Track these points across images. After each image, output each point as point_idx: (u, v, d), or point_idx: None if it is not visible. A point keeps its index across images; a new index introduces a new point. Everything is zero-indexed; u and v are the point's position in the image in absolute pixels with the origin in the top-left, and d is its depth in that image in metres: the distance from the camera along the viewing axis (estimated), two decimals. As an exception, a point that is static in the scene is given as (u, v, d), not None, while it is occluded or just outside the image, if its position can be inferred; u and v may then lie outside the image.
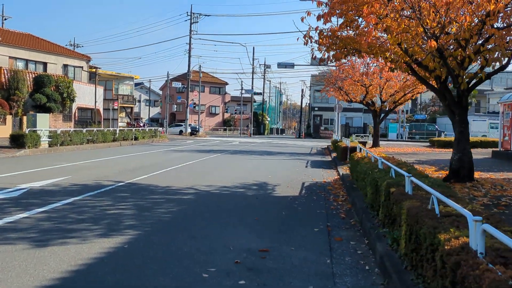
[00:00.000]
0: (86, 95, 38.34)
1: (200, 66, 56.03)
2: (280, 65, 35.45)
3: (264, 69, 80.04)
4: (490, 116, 46.32)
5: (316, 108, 61.46)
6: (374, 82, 25.26)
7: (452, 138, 32.47)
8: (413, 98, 27.24)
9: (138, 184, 11.28)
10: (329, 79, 28.14)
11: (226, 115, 78.95)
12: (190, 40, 54.99)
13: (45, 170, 13.72)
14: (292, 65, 35.53)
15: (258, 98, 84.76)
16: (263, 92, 77.35)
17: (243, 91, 67.37)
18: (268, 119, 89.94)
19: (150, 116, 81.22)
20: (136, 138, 32.47)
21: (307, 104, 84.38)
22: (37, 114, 23.31)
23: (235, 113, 75.26)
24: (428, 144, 34.16)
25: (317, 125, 61.13)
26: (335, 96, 28.24)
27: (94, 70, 39.88)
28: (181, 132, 60.44)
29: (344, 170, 15.29)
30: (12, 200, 8.64)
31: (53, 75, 33.58)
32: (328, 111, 60.64)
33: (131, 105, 53.76)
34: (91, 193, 9.69)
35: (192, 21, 54.64)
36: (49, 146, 22.22)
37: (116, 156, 19.90)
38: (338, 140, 25.71)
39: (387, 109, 26.93)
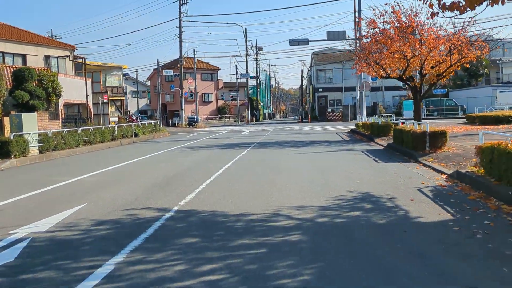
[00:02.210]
0: (72, 89, 33.98)
1: (194, 51, 51.72)
2: (292, 41, 31.46)
3: (256, 52, 76.04)
4: (520, 86, 42.82)
5: (320, 89, 57.41)
6: (417, 53, 21.63)
7: (496, 113, 29.14)
8: (458, 69, 23.57)
9: (194, 213, 7.44)
10: (360, 53, 24.31)
11: (220, 102, 74.68)
12: (180, 23, 50.69)
13: (45, 194, 9.78)
14: (306, 41, 31.61)
15: (250, 83, 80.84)
16: (257, 76, 73.36)
17: (238, 75, 63.19)
18: (261, 104, 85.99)
19: (138, 108, 76.82)
20: (136, 135, 28.47)
21: (300, 86, 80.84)
22: (22, 114, 19.19)
23: (231, 99, 71.10)
24: (464, 120, 30.64)
25: (323, 107, 57.16)
26: (367, 72, 24.47)
27: (81, 61, 35.51)
28: (174, 124, 56.42)
29: (438, 164, 11.70)
30: (5, 274, 4.79)
31: (35, 68, 29.25)
32: (333, 92, 56.91)
33: (121, 98, 49.32)
34: (135, 241, 5.86)
35: (181, 2, 50.27)
36: (40, 152, 18.20)
37: (126, 161, 15.94)
38: (386, 122, 22.07)
39: (429, 83, 23.31)
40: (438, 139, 13.58)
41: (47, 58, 33.49)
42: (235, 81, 68.70)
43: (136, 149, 22.10)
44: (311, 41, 32.03)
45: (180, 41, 50.87)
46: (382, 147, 18.18)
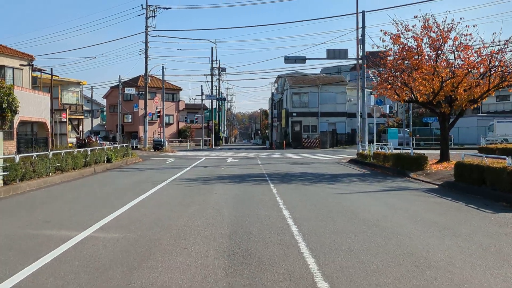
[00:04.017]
0: (30, 105, 29.33)
1: (163, 67, 47.41)
2: (288, 59, 28.17)
3: (219, 73, 72.82)
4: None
5: (294, 114, 54.15)
6: (454, 74, 18.98)
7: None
8: (493, 94, 21.03)
9: None
10: (382, 74, 21.33)
11: (181, 125, 70.32)
12: (146, 38, 46.55)
13: (43, 279, 5.80)
14: (303, 59, 28.41)
15: (208, 105, 77.60)
16: (222, 98, 69.88)
17: (204, 97, 59.36)
18: (220, 128, 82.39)
19: (92, 128, 71.34)
20: (109, 160, 24.20)
21: (271, 109, 77.99)
22: (-20, 133, 14.82)
23: (196, 121, 66.89)
24: (475, 152, 28.15)
25: (297, 132, 54.01)
26: (388, 95, 21.44)
27: (40, 74, 30.83)
28: (133, 147, 51.80)
29: None
30: None
31: (-13, 79, 24.63)
32: (308, 117, 53.94)
33: (79, 116, 44.48)
34: None
35: (148, 15, 46.34)
36: (4, 183, 13.90)
37: (131, 201, 11.90)
38: (417, 154, 19.00)
39: (461, 109, 20.63)
40: (555, 181, 10.48)
41: (1, 68, 28.79)
42: (197, 102, 65.20)
43: (121, 179, 18.01)
44: (308, 59, 28.91)
45: (146, 57, 46.70)
46: (436, 186, 14.95)
